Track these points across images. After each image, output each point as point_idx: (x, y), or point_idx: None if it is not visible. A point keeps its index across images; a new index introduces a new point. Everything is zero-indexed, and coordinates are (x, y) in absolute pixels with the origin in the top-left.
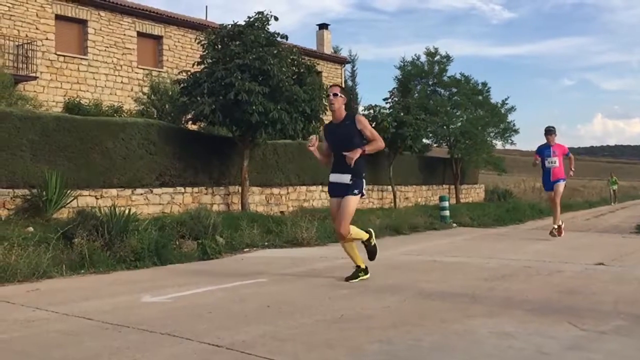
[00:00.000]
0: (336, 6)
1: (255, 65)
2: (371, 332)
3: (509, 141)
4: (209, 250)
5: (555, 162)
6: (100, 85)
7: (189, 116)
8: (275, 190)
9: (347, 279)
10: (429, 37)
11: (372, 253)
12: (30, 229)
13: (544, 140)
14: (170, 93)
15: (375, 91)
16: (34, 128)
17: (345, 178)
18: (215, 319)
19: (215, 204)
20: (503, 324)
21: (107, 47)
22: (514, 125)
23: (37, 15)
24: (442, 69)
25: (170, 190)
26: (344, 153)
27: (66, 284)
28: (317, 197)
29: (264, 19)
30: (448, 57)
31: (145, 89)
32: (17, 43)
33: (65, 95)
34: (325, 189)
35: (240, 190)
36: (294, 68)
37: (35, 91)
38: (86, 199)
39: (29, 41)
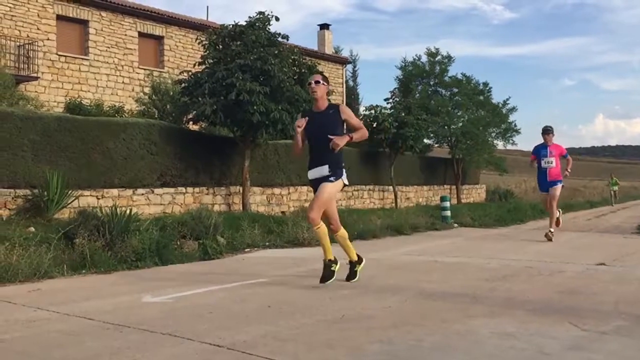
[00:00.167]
0: (337, 6)
1: (257, 65)
2: (372, 332)
3: (510, 141)
4: (210, 251)
5: (552, 162)
6: (101, 86)
7: (190, 116)
8: (277, 191)
9: (348, 279)
10: (430, 37)
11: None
12: (32, 229)
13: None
14: (172, 93)
15: (376, 91)
16: (36, 128)
17: (324, 170)
18: (216, 319)
19: (217, 204)
20: (504, 324)
21: (109, 47)
22: (515, 125)
23: (38, 15)
24: (443, 69)
25: (172, 190)
26: (330, 136)
27: (67, 284)
28: None
29: (265, 19)
30: (449, 57)
31: (147, 89)
32: (18, 43)
33: (66, 96)
34: None
35: (241, 191)
36: (295, 68)
37: (36, 91)
38: (87, 199)
39: (30, 41)
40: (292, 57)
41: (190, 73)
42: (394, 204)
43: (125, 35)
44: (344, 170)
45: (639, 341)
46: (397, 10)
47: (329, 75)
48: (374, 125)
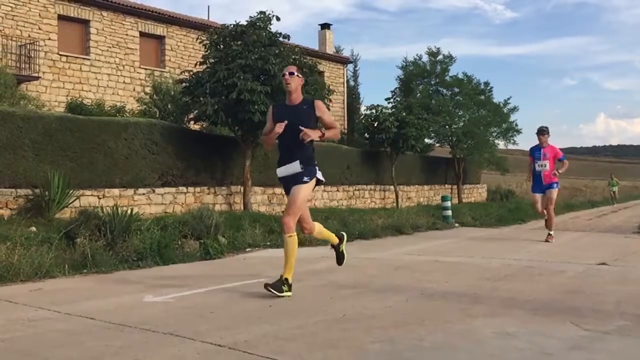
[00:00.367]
0: (338, 6)
1: (258, 65)
2: (373, 332)
3: (512, 141)
4: (211, 250)
5: (546, 165)
6: (102, 85)
7: (191, 116)
8: (278, 190)
9: (339, 262)
10: (431, 37)
11: (340, 259)
12: (33, 228)
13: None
14: (173, 93)
15: (377, 91)
16: (37, 128)
17: (295, 166)
18: (217, 318)
19: (218, 203)
20: (505, 324)
21: (110, 47)
22: (516, 125)
23: (39, 15)
24: (445, 69)
25: (173, 190)
26: (302, 127)
27: (68, 284)
28: (319, 197)
29: (266, 18)
30: (450, 57)
31: (148, 89)
32: (19, 43)
33: (67, 95)
34: (327, 188)
35: (242, 190)
36: None
37: (37, 91)
38: (89, 199)
39: (31, 41)
40: (293, 56)
41: (191, 73)
42: (395, 204)
43: (127, 35)
44: (317, 168)
45: None
46: (398, 10)
47: (330, 75)
48: (375, 125)
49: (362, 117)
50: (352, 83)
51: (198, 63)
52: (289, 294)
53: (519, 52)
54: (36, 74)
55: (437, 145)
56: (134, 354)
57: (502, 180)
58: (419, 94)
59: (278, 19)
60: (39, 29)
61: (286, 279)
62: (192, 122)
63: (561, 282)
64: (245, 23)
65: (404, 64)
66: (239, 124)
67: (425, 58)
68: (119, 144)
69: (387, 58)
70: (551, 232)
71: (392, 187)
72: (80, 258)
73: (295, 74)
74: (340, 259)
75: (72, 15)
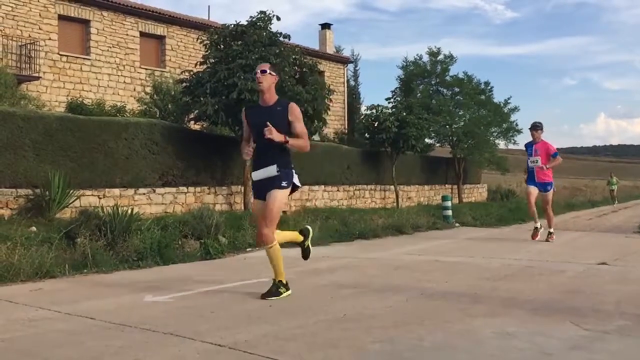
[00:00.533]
0: (338, 6)
1: (258, 65)
2: (373, 331)
3: (512, 141)
4: (212, 250)
5: (537, 161)
6: (103, 85)
7: (192, 116)
8: None
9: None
10: (431, 37)
11: (306, 253)
12: (33, 228)
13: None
14: (173, 93)
15: (377, 91)
16: (37, 128)
17: (272, 170)
18: (217, 318)
19: (218, 203)
20: (505, 324)
21: (110, 47)
22: (516, 125)
23: (40, 15)
24: (445, 69)
25: (173, 190)
26: (269, 123)
27: (69, 284)
28: (320, 196)
29: (266, 18)
30: (451, 57)
31: (148, 89)
32: (20, 43)
33: (68, 95)
34: (328, 188)
35: (242, 190)
36: (296, 68)
37: (38, 91)
38: (89, 199)
39: (31, 41)
40: (294, 56)
41: (191, 73)
42: (395, 204)
43: (127, 35)
44: (293, 171)
45: None
46: (398, 10)
47: (331, 75)
48: (376, 125)
49: (362, 117)
50: (352, 83)
51: (198, 63)
52: (288, 293)
53: (519, 52)
54: (36, 74)
55: (438, 145)
56: (134, 354)
57: (502, 180)
58: (419, 94)
59: (278, 18)
60: (40, 29)
61: (279, 281)
62: (192, 122)
63: (561, 282)
64: (245, 23)
65: (404, 63)
66: (240, 124)
67: (425, 58)
68: (120, 144)
69: (387, 58)
70: (552, 231)
71: (392, 187)
72: (80, 258)
73: (268, 71)
74: (305, 252)
75: (72, 15)
